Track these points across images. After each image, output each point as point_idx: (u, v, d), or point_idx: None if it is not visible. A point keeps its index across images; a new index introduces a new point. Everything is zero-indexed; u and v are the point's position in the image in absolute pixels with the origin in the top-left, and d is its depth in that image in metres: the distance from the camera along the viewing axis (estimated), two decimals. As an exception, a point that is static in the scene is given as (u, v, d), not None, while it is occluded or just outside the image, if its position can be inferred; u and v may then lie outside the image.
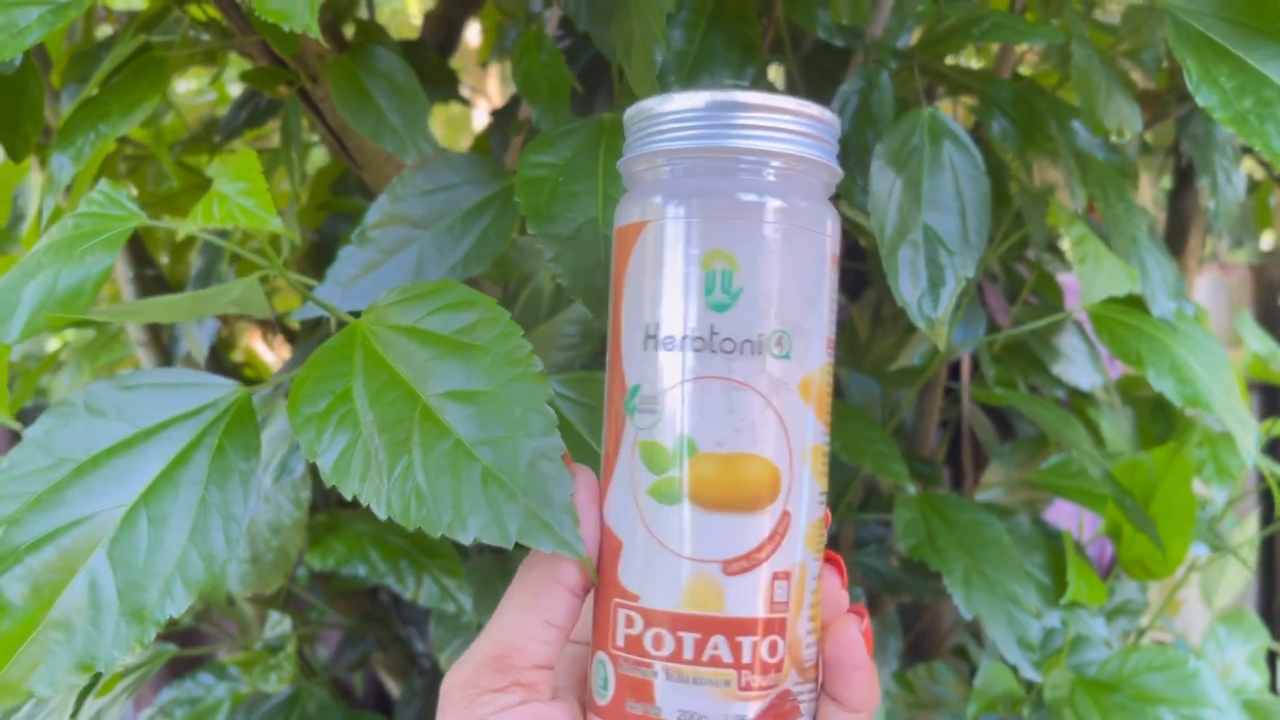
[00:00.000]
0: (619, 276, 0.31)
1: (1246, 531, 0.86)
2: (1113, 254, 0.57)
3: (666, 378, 0.30)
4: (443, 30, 0.79)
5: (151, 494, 0.37)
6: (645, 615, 0.30)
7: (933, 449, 0.76)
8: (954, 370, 0.79)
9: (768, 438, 0.30)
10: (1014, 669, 0.61)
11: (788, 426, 0.30)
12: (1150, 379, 0.56)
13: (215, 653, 0.83)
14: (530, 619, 0.31)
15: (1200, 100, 0.41)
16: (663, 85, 0.49)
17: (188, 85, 1.18)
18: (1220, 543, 0.68)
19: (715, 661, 0.29)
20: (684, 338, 0.30)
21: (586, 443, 0.41)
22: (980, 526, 0.59)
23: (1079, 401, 0.75)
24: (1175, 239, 0.95)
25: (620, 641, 0.30)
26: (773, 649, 0.30)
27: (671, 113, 0.30)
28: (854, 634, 0.31)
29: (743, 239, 0.30)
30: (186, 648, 0.76)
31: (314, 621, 0.79)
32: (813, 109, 0.31)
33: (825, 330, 0.31)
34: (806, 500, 0.30)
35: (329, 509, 0.75)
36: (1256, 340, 0.80)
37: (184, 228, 0.32)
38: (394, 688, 0.85)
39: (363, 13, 0.74)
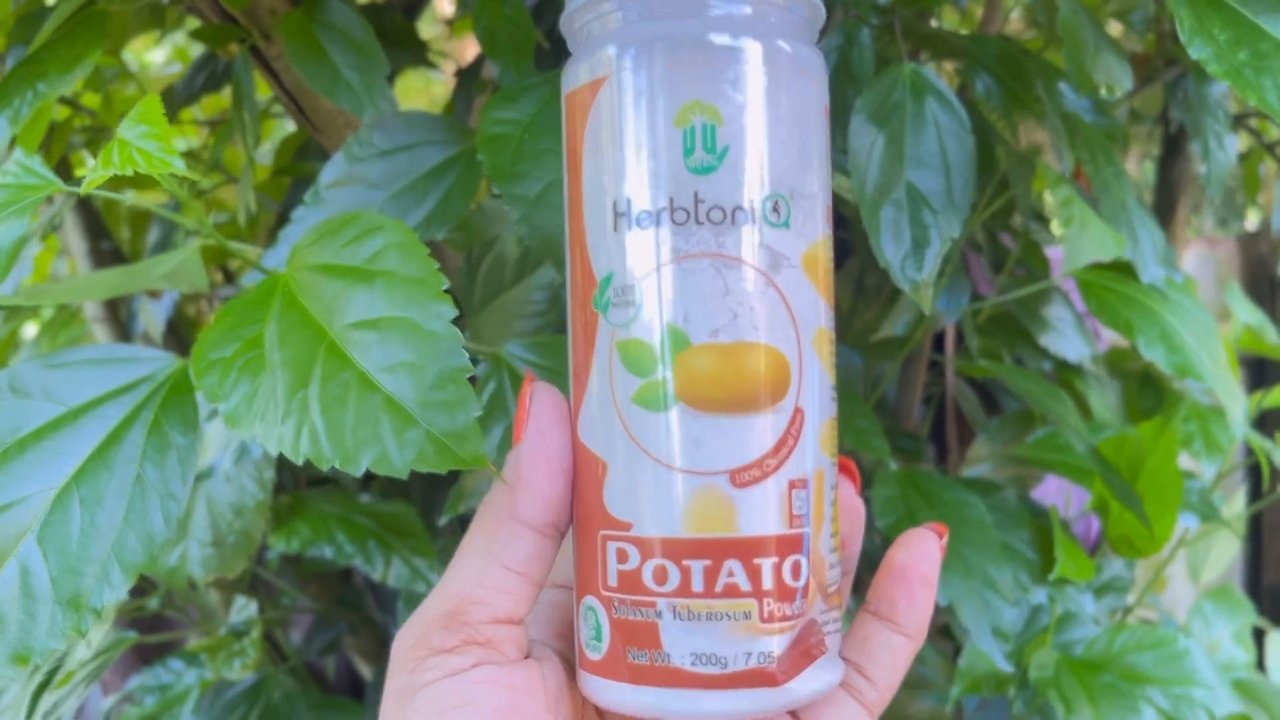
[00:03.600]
0: (574, 149, 0.26)
1: (1234, 507, 0.85)
2: (1100, 218, 0.55)
3: (645, 261, 0.25)
4: (409, -7, 0.76)
5: (83, 475, 0.35)
6: (641, 545, 0.25)
7: (916, 423, 0.75)
8: (938, 342, 0.77)
9: (772, 322, 0.25)
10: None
11: (793, 308, 0.25)
12: (1139, 347, 0.54)
13: (186, 638, 0.81)
14: (487, 564, 0.26)
15: (1193, 53, 0.39)
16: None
17: (157, 57, 1.15)
18: (1212, 512, 0.67)
19: (731, 591, 0.25)
20: (662, 210, 0.25)
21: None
22: (962, 505, 0.57)
23: (1066, 374, 0.73)
24: (1163, 211, 0.93)
25: (613, 581, 0.25)
26: (795, 570, 0.25)
27: None
28: (933, 545, 0.27)
29: (724, 87, 0.24)
30: (155, 634, 0.73)
31: (284, 606, 0.77)
32: None
33: (824, 195, 0.26)
34: (819, 394, 0.26)
35: (294, 489, 0.72)
36: (1246, 312, 0.78)
37: (86, 181, 0.29)
38: (367, 671, 0.83)
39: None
